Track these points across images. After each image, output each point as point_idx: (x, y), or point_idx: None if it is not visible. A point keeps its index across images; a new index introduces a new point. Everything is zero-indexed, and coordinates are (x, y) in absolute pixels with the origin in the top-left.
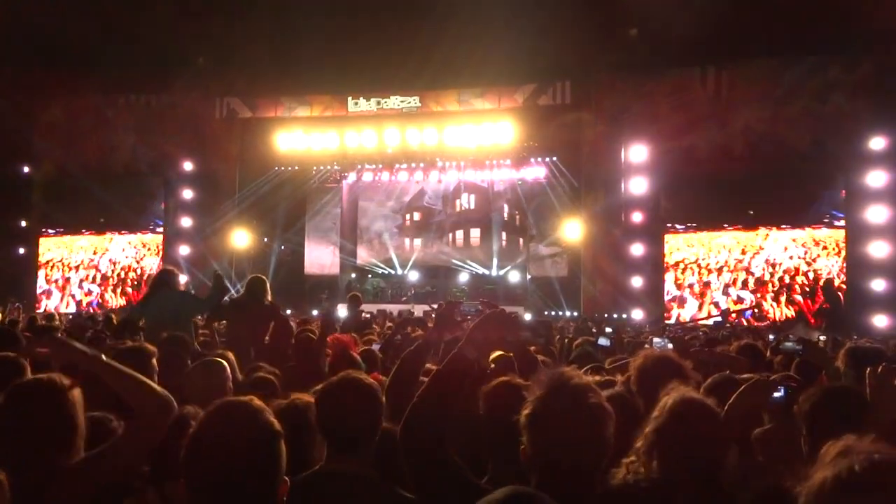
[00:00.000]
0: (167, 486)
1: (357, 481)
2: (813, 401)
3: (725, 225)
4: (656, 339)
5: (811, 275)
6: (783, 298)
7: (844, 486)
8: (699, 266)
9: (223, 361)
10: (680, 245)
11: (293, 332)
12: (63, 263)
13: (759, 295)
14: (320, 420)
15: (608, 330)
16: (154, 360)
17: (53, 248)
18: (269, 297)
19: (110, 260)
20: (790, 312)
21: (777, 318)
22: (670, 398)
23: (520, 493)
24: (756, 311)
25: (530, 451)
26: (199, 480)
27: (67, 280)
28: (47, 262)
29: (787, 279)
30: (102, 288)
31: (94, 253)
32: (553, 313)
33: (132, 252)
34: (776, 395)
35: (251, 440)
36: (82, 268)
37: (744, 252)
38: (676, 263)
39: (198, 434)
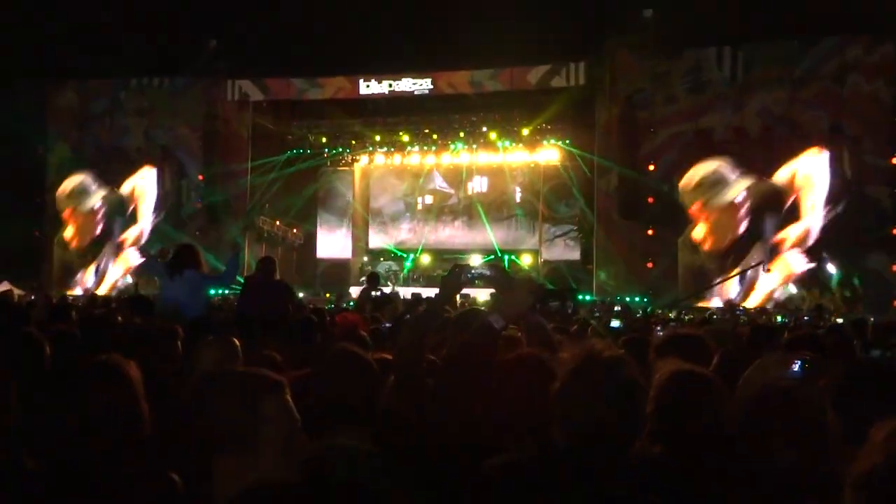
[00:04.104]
0: None
1: (358, 455)
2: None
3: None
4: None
5: None
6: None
7: None
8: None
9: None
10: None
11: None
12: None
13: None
14: (317, 392)
15: (616, 309)
16: (179, 342)
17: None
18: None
19: (123, 241)
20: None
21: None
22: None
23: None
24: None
25: (561, 425)
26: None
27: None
28: (66, 244)
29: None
30: (116, 269)
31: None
32: None
33: (146, 235)
34: (794, 367)
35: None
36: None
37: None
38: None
39: None
